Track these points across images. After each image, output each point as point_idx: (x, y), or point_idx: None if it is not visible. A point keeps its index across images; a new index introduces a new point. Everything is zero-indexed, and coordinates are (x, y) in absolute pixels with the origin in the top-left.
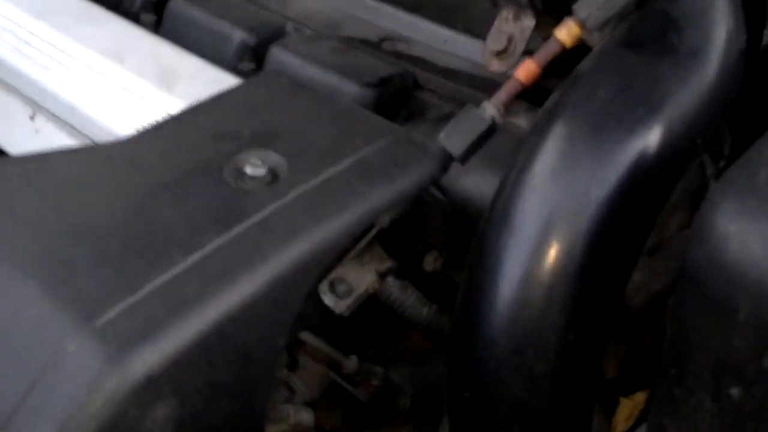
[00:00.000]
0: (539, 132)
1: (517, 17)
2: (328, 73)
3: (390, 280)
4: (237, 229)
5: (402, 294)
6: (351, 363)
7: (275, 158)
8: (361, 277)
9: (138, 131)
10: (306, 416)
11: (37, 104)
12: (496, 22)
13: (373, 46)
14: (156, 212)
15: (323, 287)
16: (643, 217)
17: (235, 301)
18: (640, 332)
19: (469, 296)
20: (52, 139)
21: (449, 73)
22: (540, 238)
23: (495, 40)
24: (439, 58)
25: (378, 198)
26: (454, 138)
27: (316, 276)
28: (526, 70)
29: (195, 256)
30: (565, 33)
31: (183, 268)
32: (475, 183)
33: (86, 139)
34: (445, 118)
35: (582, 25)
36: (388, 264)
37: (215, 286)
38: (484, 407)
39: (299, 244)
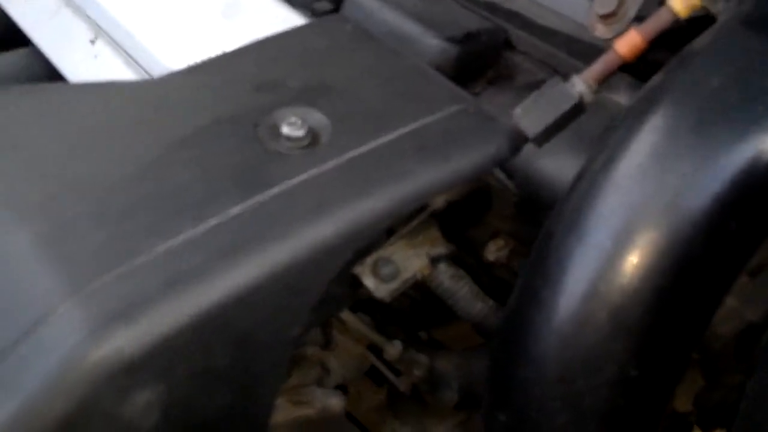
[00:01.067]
0: (632, 119)
1: None
2: (407, 21)
3: (442, 266)
4: (259, 198)
5: (454, 284)
6: (393, 349)
7: (319, 118)
8: (409, 260)
9: (172, 72)
10: (335, 401)
11: (99, 28)
12: None
13: None
14: (172, 168)
15: (365, 268)
16: (746, 234)
17: (242, 282)
18: (724, 366)
19: (521, 304)
20: (110, 66)
21: (547, 34)
22: (614, 248)
23: (603, 0)
24: (539, 15)
25: (430, 177)
26: (532, 115)
27: (346, 260)
28: (629, 43)
29: (205, 225)
30: (680, 1)
31: (189, 237)
32: (554, 167)
33: (141, 71)
34: (534, 86)
35: None
36: (442, 249)
37: (221, 262)
38: None
39: (328, 223)
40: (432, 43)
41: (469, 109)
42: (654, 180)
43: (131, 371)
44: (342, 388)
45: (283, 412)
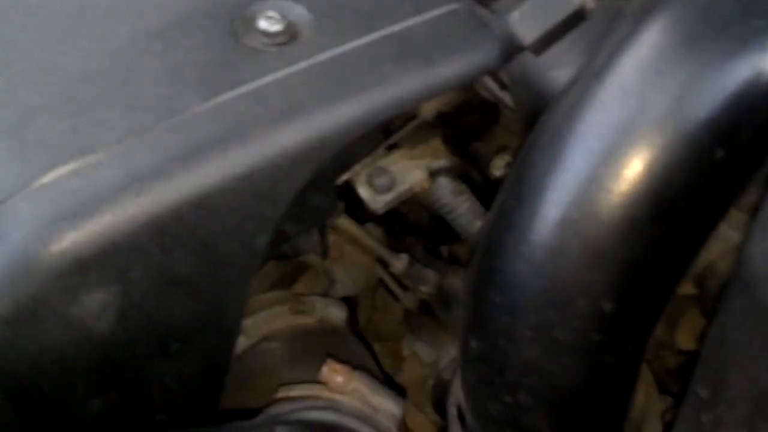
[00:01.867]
0: (622, 30)
1: None
2: None
3: (443, 180)
4: (225, 96)
5: (454, 199)
6: (399, 263)
7: (300, 12)
8: (407, 172)
9: None
10: (336, 312)
11: None
12: None
13: None
14: (140, 60)
15: (360, 177)
16: (736, 165)
17: (203, 184)
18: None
19: (495, 225)
20: None
21: None
22: (590, 172)
23: None
24: None
25: (409, 84)
26: (529, 21)
27: (316, 168)
28: None
29: (166, 122)
30: None
31: (149, 134)
32: (562, 78)
33: None
34: None
35: None
36: (443, 162)
37: (181, 161)
38: (489, 363)
39: (296, 128)
40: None
41: (460, 11)
42: (637, 99)
43: (81, 271)
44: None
45: (283, 319)
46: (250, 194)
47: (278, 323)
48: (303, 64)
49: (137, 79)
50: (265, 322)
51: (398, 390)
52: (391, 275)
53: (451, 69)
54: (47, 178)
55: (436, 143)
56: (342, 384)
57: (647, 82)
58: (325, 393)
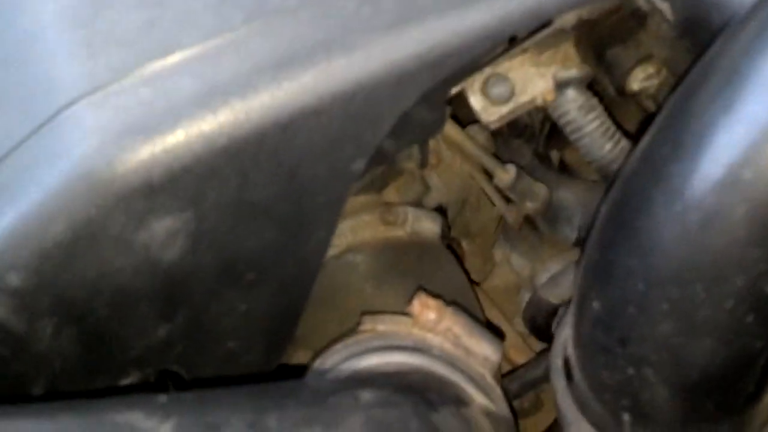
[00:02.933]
0: None
1: None
2: None
3: (571, 93)
4: None
5: (582, 116)
6: (506, 175)
7: None
8: (530, 81)
9: None
10: (430, 225)
11: None
12: None
13: None
14: None
15: (473, 83)
16: None
17: (292, 100)
18: None
19: (640, 171)
20: None
21: None
22: None
23: None
24: None
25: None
26: None
27: (428, 88)
28: None
29: (258, 22)
30: None
31: (235, 35)
32: None
33: None
34: None
35: None
36: (573, 71)
37: (268, 73)
38: (612, 330)
39: (408, 39)
40: None
41: None
42: None
43: (148, 195)
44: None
45: (371, 230)
46: (348, 114)
47: (366, 233)
48: None
49: None
50: (351, 231)
51: (495, 331)
52: (495, 186)
53: None
54: (116, 84)
55: (567, 48)
56: (433, 321)
57: None
58: (413, 331)
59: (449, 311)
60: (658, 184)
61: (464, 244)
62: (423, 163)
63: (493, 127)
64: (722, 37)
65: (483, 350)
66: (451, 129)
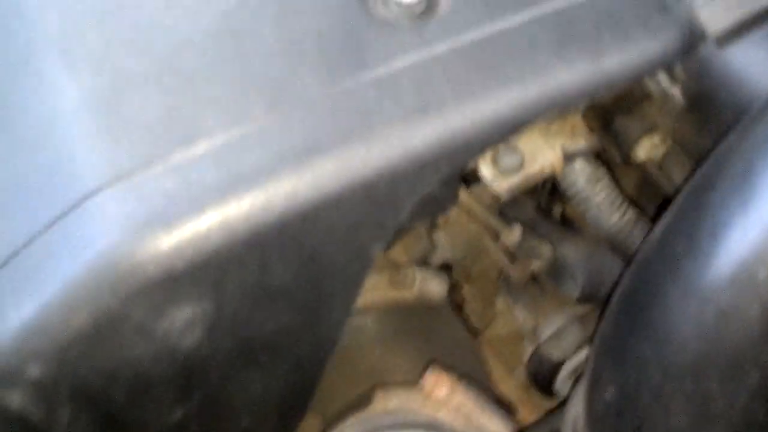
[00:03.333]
0: None
1: None
2: None
3: (579, 164)
4: (351, 81)
5: (590, 187)
6: (512, 234)
7: None
8: (539, 152)
9: None
10: (436, 286)
11: None
12: None
13: None
14: (252, 27)
15: (485, 156)
16: None
17: (314, 190)
18: None
19: (655, 261)
20: None
21: None
22: None
23: None
24: None
25: (570, 78)
26: (718, 8)
27: (446, 174)
28: None
29: (277, 113)
30: None
31: (255, 127)
32: (748, 61)
33: None
34: None
35: None
36: (581, 143)
37: (290, 164)
38: (626, 417)
39: (427, 128)
40: None
41: None
42: None
43: (170, 285)
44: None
45: (380, 291)
46: (368, 202)
47: (374, 295)
48: (441, 46)
49: (249, 50)
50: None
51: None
52: (500, 245)
53: (621, 61)
54: (139, 174)
55: (575, 121)
56: (446, 398)
57: None
58: (425, 407)
59: (461, 387)
60: (674, 278)
61: (465, 288)
62: (432, 225)
63: (503, 197)
64: (737, 130)
65: (494, 427)
66: (503, 184)
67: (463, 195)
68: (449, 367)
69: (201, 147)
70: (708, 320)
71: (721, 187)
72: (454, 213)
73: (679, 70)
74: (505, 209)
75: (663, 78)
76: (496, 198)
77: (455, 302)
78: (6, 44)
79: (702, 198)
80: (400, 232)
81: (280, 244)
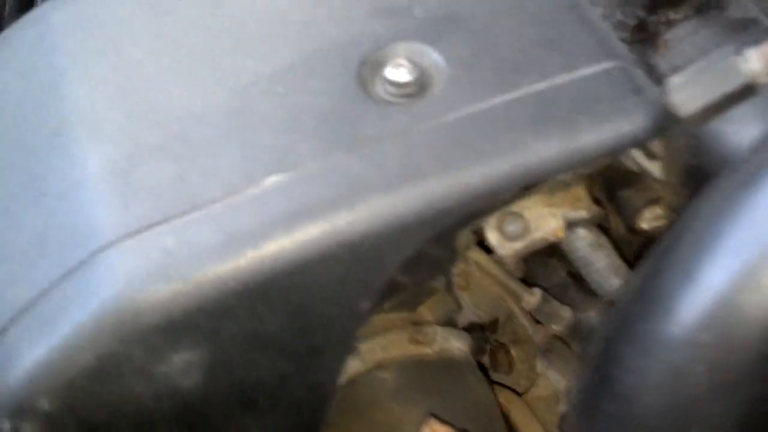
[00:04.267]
0: None
1: None
2: None
3: (581, 232)
4: (342, 154)
5: (591, 253)
6: (533, 298)
7: (434, 60)
8: (542, 219)
9: None
10: (457, 344)
11: None
12: None
13: None
14: (258, 104)
15: (490, 220)
16: None
17: (302, 250)
18: None
19: (615, 325)
20: None
21: None
22: (728, 293)
23: None
24: None
25: (547, 154)
26: (690, 90)
27: (430, 236)
28: None
29: (276, 178)
30: None
31: (254, 191)
32: (733, 132)
33: None
34: (744, 24)
35: None
36: (583, 212)
37: (282, 226)
38: None
39: (412, 195)
40: None
41: (613, 72)
42: None
43: (167, 332)
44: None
45: (400, 348)
46: (352, 262)
47: (394, 351)
48: (430, 123)
49: (254, 124)
50: (381, 348)
51: None
52: (522, 308)
53: (594, 139)
54: (144, 233)
55: (578, 191)
56: None
57: None
58: None
59: None
60: (630, 339)
61: (512, 351)
62: (448, 288)
63: (509, 260)
64: (694, 201)
65: None
66: (479, 255)
67: (485, 260)
68: (446, 422)
69: (201, 210)
70: (659, 379)
71: (671, 255)
72: (477, 275)
73: (657, 147)
74: (536, 271)
75: (638, 155)
76: (518, 262)
77: (496, 362)
78: (42, 117)
79: (657, 265)
80: (425, 289)
81: (270, 298)
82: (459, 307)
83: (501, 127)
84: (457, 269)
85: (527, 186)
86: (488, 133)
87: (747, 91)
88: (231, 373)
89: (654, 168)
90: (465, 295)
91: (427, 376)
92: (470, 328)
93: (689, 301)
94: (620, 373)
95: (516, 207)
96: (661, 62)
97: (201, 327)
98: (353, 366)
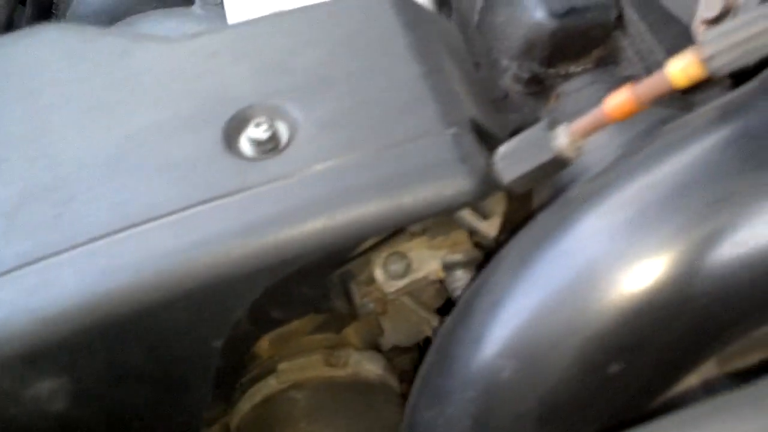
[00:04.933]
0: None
1: None
2: None
3: (458, 273)
4: (199, 205)
5: None
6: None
7: (293, 120)
8: (424, 261)
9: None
10: (370, 367)
11: None
12: None
13: None
14: (138, 152)
15: (378, 259)
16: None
17: (154, 293)
18: None
19: (420, 374)
20: None
21: (659, 23)
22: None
23: (709, 2)
24: None
25: (378, 210)
26: (510, 160)
27: (270, 284)
28: (619, 102)
29: (140, 226)
30: (681, 70)
31: (118, 236)
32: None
33: None
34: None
35: (704, 63)
36: (460, 255)
37: (134, 270)
38: None
39: (251, 245)
40: (526, 15)
41: (449, 140)
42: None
43: (29, 361)
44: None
45: (315, 369)
46: (200, 305)
47: (310, 372)
48: (279, 180)
49: (127, 172)
50: (298, 369)
51: None
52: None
53: (420, 201)
54: (16, 271)
55: (459, 235)
56: None
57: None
58: None
59: None
60: (424, 390)
61: None
62: (353, 316)
63: (391, 297)
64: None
65: None
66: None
67: (396, 288)
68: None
69: (68, 252)
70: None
71: (452, 321)
72: (391, 305)
73: (487, 207)
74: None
75: (467, 214)
76: (432, 295)
77: None
78: None
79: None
80: (342, 316)
81: (125, 336)
82: (381, 331)
83: (340, 185)
84: (373, 297)
85: (361, 239)
86: (328, 191)
87: (557, 164)
88: (100, 400)
89: (485, 227)
90: (384, 319)
91: (339, 398)
92: (394, 351)
93: (457, 363)
94: (419, 420)
95: (402, 247)
96: (549, 115)
97: (60, 359)
98: (271, 384)
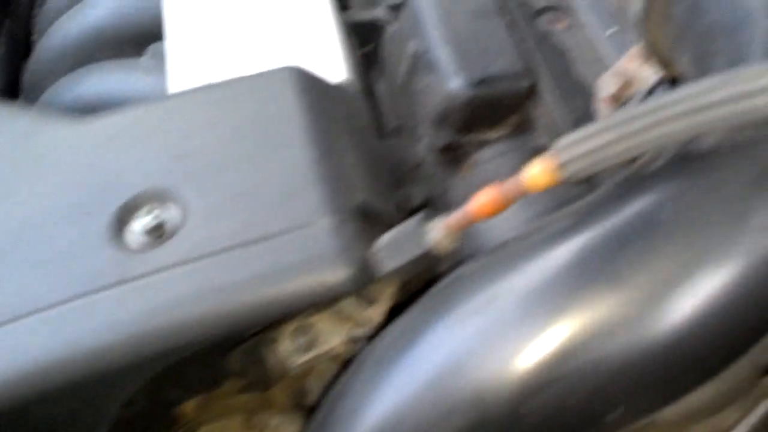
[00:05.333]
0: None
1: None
2: (441, 45)
3: (362, 345)
4: (81, 298)
5: None
6: None
7: (178, 210)
8: (329, 334)
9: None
10: (290, 429)
11: None
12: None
13: (531, 15)
14: (20, 241)
15: (285, 331)
16: None
17: (35, 385)
18: None
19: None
20: None
21: (572, 92)
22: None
23: (608, 79)
24: (591, 53)
25: (256, 300)
26: (387, 252)
27: (144, 380)
28: (484, 201)
29: (24, 319)
30: (538, 173)
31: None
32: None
33: None
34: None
35: (559, 169)
36: (365, 330)
37: (20, 363)
38: None
39: (126, 341)
40: (443, 83)
41: (328, 231)
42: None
43: None
44: None
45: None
46: (80, 396)
47: None
48: (159, 273)
49: (15, 262)
50: (220, 430)
51: None
52: None
53: (296, 291)
54: None
55: (362, 312)
56: None
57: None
58: None
59: None
60: None
61: None
62: (267, 386)
63: (296, 370)
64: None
65: None
66: (296, 360)
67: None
68: None
69: None
70: None
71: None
72: (322, 366)
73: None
74: None
75: (351, 302)
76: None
77: None
78: None
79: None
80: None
81: (16, 420)
82: (306, 391)
83: (218, 278)
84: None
85: (240, 330)
86: (206, 284)
87: (429, 259)
88: None
89: (369, 313)
90: (310, 380)
91: None
92: None
93: None
94: None
95: (310, 319)
96: (460, 185)
97: None
98: None
